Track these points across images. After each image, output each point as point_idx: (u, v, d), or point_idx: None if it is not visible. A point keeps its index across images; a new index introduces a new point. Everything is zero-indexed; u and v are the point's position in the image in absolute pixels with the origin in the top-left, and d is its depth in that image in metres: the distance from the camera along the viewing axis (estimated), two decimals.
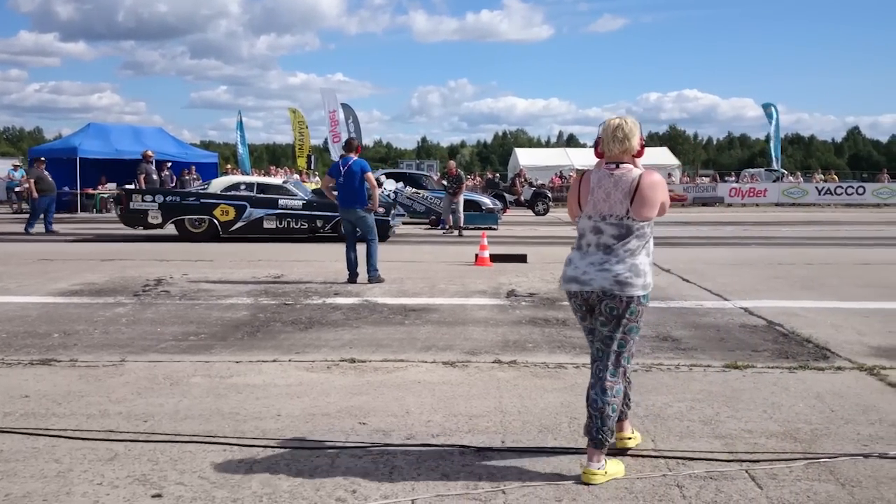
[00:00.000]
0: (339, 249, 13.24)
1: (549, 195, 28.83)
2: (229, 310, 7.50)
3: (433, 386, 4.80)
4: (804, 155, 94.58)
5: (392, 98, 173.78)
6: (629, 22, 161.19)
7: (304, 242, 14.70)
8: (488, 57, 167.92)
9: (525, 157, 45.03)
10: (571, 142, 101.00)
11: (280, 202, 15.15)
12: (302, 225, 15.17)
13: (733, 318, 7.14)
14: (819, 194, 35.55)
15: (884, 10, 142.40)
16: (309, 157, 35.81)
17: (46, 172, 18.05)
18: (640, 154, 3.48)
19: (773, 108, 41.79)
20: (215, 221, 15.01)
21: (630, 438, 3.70)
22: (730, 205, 34.25)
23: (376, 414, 4.25)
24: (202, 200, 15.17)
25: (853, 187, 36.71)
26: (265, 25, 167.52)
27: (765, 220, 23.52)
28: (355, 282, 9.22)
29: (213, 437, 3.89)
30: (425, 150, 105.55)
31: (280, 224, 15.11)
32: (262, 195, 15.28)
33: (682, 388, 4.78)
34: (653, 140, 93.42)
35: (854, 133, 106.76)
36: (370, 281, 9.21)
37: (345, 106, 35.77)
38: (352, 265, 9.36)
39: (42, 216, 17.34)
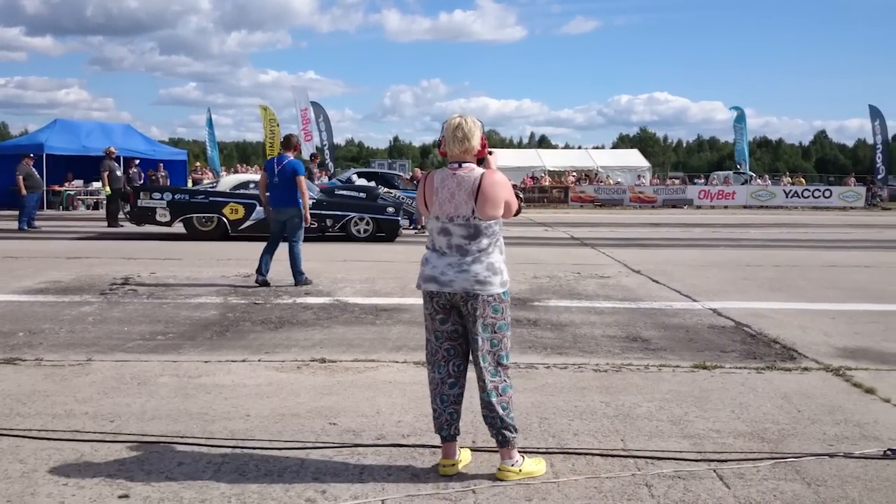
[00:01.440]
0: (318, 248, 13.20)
1: (522, 196, 28.88)
2: (198, 309, 7.42)
3: (404, 386, 4.79)
4: (772, 158, 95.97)
5: (364, 97, 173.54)
6: (601, 24, 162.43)
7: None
8: (461, 57, 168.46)
9: (497, 158, 45.09)
10: (543, 143, 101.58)
11: None
12: (311, 224, 15.00)
13: (702, 318, 7.22)
14: (787, 197, 36.07)
15: (852, 15, 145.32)
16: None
17: (34, 169, 17.83)
18: (481, 153, 3.47)
19: (741, 112, 42.38)
20: (224, 220, 14.85)
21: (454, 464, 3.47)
22: (699, 207, 34.62)
23: (347, 414, 4.23)
24: (211, 199, 15.02)
25: (820, 190, 37.33)
26: (236, 22, 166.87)
27: (733, 222, 23.82)
28: (268, 285, 8.80)
29: (181, 437, 3.85)
30: (397, 149, 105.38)
31: None
32: None
33: (652, 389, 4.82)
34: (624, 142, 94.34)
35: (821, 137, 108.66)
36: (297, 284, 8.85)
37: (315, 104, 35.63)
38: (265, 268, 8.90)
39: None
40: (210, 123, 36.65)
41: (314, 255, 12.17)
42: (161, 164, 26.88)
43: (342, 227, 14.94)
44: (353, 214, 14.88)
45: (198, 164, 37.43)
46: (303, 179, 8.90)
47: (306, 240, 14.82)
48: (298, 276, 8.99)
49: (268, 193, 9.02)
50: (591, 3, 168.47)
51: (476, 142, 3.44)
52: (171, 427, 4.00)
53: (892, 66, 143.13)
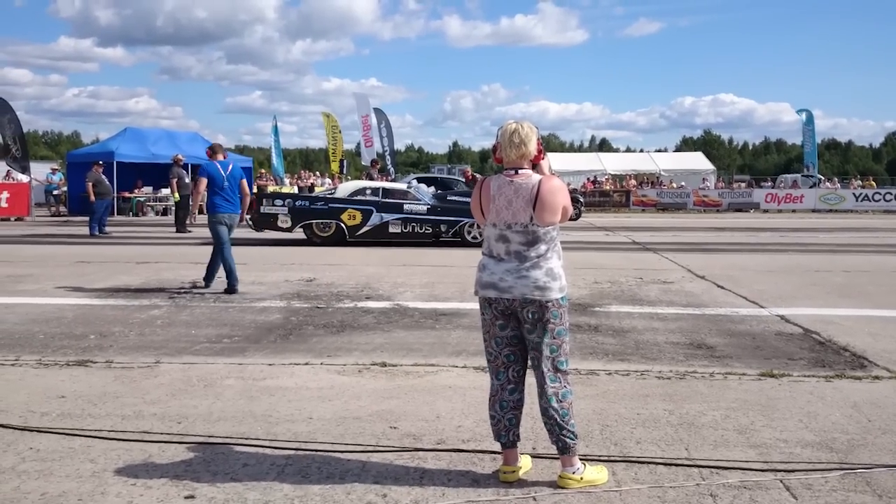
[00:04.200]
0: (378, 252, 13.36)
1: (582, 200, 28.67)
2: (262, 313, 7.57)
3: (464, 391, 4.79)
4: (842, 160, 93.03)
5: (424, 102, 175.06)
6: (665, 26, 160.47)
7: (422, 247, 14.73)
8: (522, 61, 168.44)
9: (557, 162, 44.85)
10: (604, 146, 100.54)
11: (405, 207, 15.25)
12: (426, 229, 15.23)
13: (769, 325, 7.03)
14: (857, 200, 34.87)
15: None
16: (341, 161, 36.07)
17: (104, 176, 18.55)
18: (538, 159, 3.43)
19: (809, 113, 41.20)
20: (342, 226, 15.14)
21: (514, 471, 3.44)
22: (766, 211, 33.75)
23: (407, 418, 4.26)
24: (330, 205, 15.34)
25: (892, 193, 35.94)
26: (301, 31, 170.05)
27: (801, 227, 23.13)
28: (236, 291, 8.74)
29: (246, 438, 3.93)
30: (457, 154, 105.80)
31: (405, 228, 15.17)
32: (388, 199, 15.38)
33: (717, 397, 4.72)
34: (687, 145, 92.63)
35: (893, 138, 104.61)
36: (231, 291, 8.75)
37: (377, 111, 35.99)
38: (230, 271, 8.89)
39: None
40: (275, 131, 37.35)
41: (373, 260, 12.34)
42: None
43: (456, 232, 15.10)
44: (466, 220, 14.95)
45: (262, 170, 38.22)
46: (245, 182, 9.23)
47: (417, 244, 15.22)
48: (210, 281, 9.09)
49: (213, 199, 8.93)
50: (655, 4, 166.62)
51: (533, 147, 3.43)
52: (236, 428, 4.09)
53: None
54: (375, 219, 15.00)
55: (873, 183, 41.92)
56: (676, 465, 3.60)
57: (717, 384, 5.02)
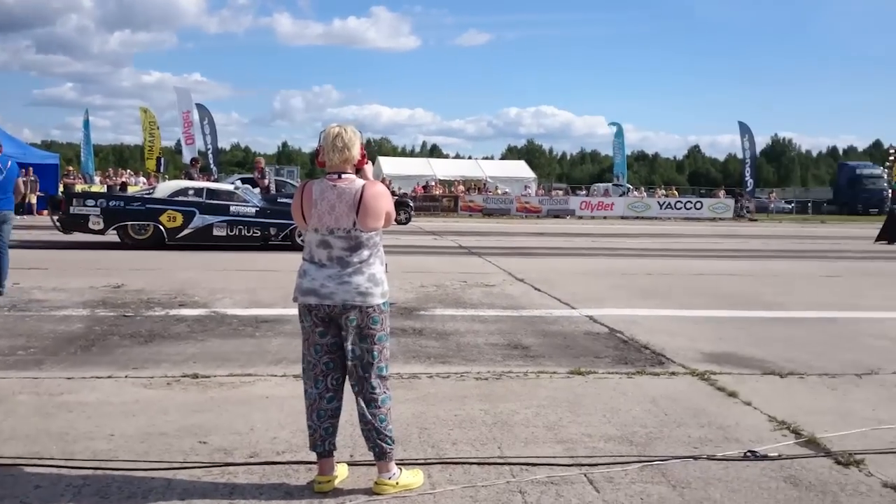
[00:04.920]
0: (196, 257, 12.75)
1: (412, 204, 29.03)
2: (63, 322, 7.00)
3: (282, 400, 4.67)
4: (649, 171, 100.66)
5: (253, 100, 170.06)
6: (493, 37, 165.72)
7: (245, 251, 14.18)
8: (354, 64, 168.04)
9: (389, 166, 45.14)
10: (435, 152, 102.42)
11: (231, 209, 14.52)
12: (255, 233, 14.57)
13: (579, 325, 7.43)
14: (661, 208, 37.89)
15: (723, 39, 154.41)
16: (158, 159, 34.31)
17: None
18: (361, 164, 3.43)
19: (619, 127, 44.30)
20: (161, 228, 14.20)
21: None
22: (581, 217, 35.81)
23: (218, 432, 4.08)
24: (147, 206, 14.32)
25: (692, 202, 39.41)
26: (120, 21, 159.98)
27: (611, 232, 24.74)
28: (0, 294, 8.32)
29: (40, 458, 3.62)
30: (286, 155, 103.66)
31: (231, 231, 14.44)
32: (212, 201, 14.56)
33: (530, 395, 4.91)
34: (512, 153, 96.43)
35: (694, 151, 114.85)
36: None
37: (200, 107, 34.56)
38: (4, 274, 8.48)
39: None
40: (87, 125, 34.90)
41: (190, 264, 11.79)
42: (30, 168, 25.29)
43: (286, 236, 14.59)
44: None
45: (70, 168, 35.55)
46: (21, 181, 8.92)
47: (248, 248, 14.53)
48: (2, 287, 8.54)
49: None
50: (484, 16, 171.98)
51: (356, 151, 3.39)
52: (28, 448, 3.75)
53: (759, 84, 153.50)
54: (198, 221, 14.33)
55: (676, 192, 45.90)
56: (489, 463, 3.69)
57: (531, 383, 5.23)
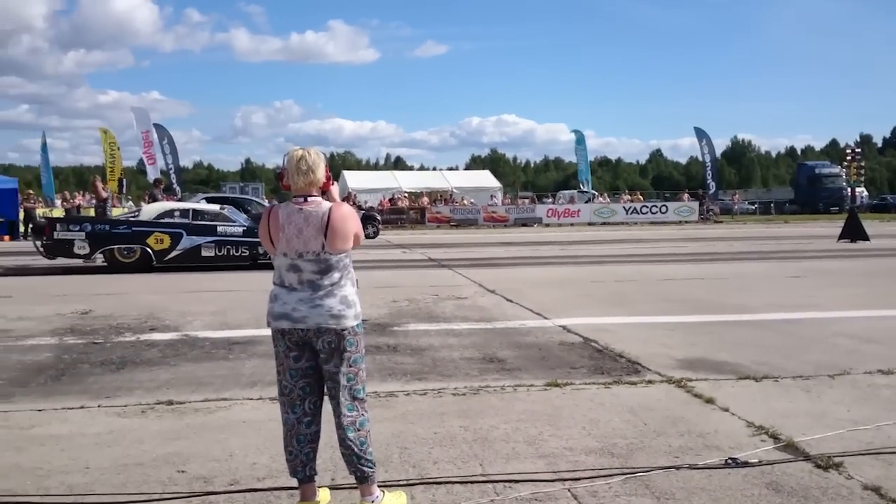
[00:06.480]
0: (164, 279, 12.56)
1: (379, 218, 28.96)
2: (30, 352, 6.84)
3: (259, 424, 4.61)
4: (613, 176, 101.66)
5: (213, 117, 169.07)
6: (451, 48, 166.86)
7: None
8: (314, 78, 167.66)
9: (354, 180, 44.99)
10: (399, 164, 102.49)
11: (219, 229, 14.42)
12: (243, 252, 14.48)
13: (553, 336, 7.44)
14: (626, 213, 38.28)
15: (680, 45, 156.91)
16: (120, 180, 33.76)
17: None
18: (327, 186, 3.41)
19: (580, 134, 44.78)
20: (148, 250, 14.04)
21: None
22: (548, 225, 36.03)
23: (196, 460, 4.01)
24: (134, 229, 14.16)
25: (657, 206, 39.86)
26: (73, 41, 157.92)
27: (579, 240, 24.92)
28: None
29: (14, 495, 3.53)
30: (250, 171, 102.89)
31: (220, 252, 14.36)
32: (199, 222, 14.46)
33: (508, 409, 4.90)
34: (476, 163, 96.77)
35: (657, 155, 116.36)
36: None
37: (158, 126, 34.24)
38: None
39: None
40: (45, 148, 34.32)
41: (157, 287, 11.62)
42: None
43: None
44: None
45: (30, 192, 34.90)
46: None
47: (232, 268, 14.36)
48: None
49: None
50: (441, 27, 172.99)
51: (321, 174, 3.36)
52: (1, 485, 3.65)
53: (715, 87, 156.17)
54: (186, 242, 14.25)
55: (640, 197, 46.30)
56: (472, 482, 3.68)
57: (508, 396, 5.22)
